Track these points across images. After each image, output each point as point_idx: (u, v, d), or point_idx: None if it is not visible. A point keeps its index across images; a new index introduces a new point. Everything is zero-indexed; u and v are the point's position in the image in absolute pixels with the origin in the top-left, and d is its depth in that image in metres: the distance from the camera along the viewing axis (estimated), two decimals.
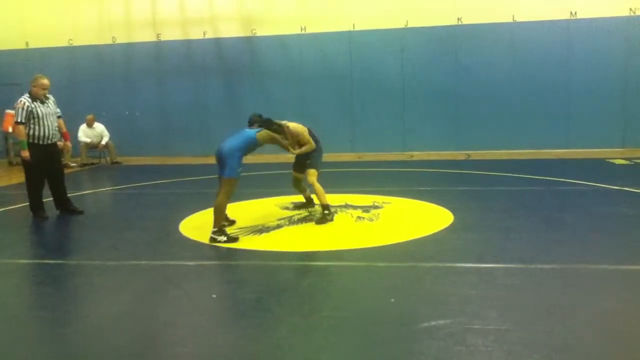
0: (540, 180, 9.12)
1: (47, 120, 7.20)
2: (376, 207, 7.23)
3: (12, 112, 13.93)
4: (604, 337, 3.38)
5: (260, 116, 6.76)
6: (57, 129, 7.41)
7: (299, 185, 7.23)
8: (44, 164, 7.23)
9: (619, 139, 13.15)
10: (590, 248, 5.25)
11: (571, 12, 13.10)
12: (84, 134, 13.70)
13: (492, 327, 3.49)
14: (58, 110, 7.53)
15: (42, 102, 7.21)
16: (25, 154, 7.10)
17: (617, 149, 12.89)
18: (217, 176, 6.31)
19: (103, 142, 13.69)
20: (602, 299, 3.96)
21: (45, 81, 7.24)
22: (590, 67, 13.08)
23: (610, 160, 11.30)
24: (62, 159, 7.98)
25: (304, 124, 7.13)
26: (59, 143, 7.70)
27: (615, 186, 8.21)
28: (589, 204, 7.23)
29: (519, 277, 4.46)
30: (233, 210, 7.25)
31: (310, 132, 7.02)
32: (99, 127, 13.79)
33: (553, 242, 5.50)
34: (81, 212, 7.46)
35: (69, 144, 8.35)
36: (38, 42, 15.09)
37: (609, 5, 12.94)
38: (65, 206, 7.48)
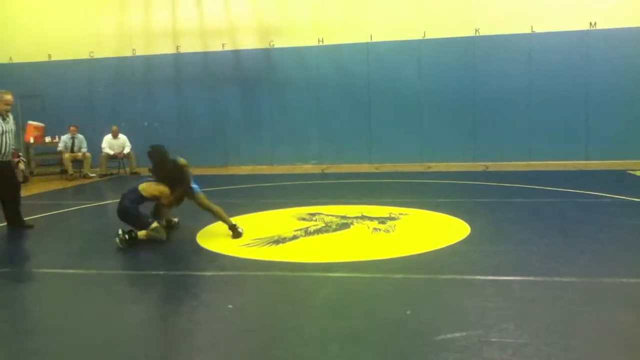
0: (559, 192, 9.04)
1: (5, 137, 7.08)
2: (393, 219, 7.21)
3: (34, 123, 14.28)
4: (623, 352, 3.33)
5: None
6: (12, 146, 7.30)
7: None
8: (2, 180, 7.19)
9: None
10: (610, 261, 5.18)
11: (590, 23, 13.02)
12: (108, 145, 13.88)
13: (510, 340, 3.46)
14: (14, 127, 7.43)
15: (4, 119, 7.11)
16: None
17: (638, 160, 12.72)
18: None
19: (125, 152, 13.88)
20: (622, 312, 3.91)
21: (9, 97, 7.11)
22: (610, 77, 12.98)
23: (631, 172, 11.17)
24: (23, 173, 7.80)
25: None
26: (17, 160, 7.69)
27: (636, 198, 8.11)
28: (608, 216, 7.14)
29: (537, 290, 4.42)
30: (250, 220, 7.30)
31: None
32: (122, 137, 14.00)
33: (572, 254, 5.44)
34: (31, 227, 7.40)
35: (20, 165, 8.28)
36: (60, 54, 15.38)
37: (627, 16, 12.84)
38: (17, 220, 7.41)
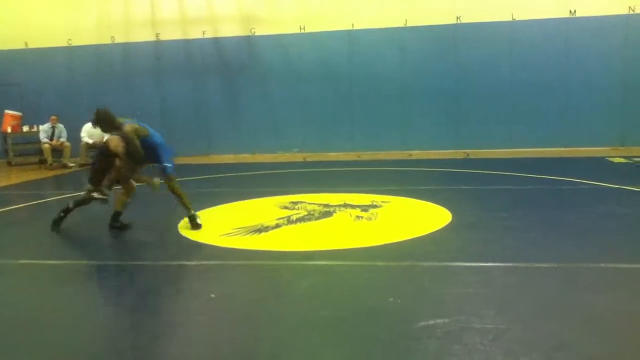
0: (539, 178, 9.12)
1: None
2: (375, 206, 7.23)
3: (11, 112, 14.04)
4: (603, 336, 3.38)
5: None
6: None
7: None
8: None
9: (618, 137, 13.17)
10: (589, 247, 5.26)
11: (570, 11, 13.10)
12: (88, 133, 13.66)
13: (491, 326, 3.49)
14: None
15: None
16: None
17: (615, 148, 12.89)
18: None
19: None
20: (601, 297, 3.96)
21: None
22: (589, 65, 13.09)
23: (609, 159, 11.31)
24: None
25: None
26: None
27: (614, 185, 8.22)
28: (587, 203, 7.23)
29: (518, 276, 4.47)
30: (232, 209, 7.27)
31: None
32: None
33: (552, 240, 5.50)
34: None
35: None
36: (37, 42, 15.09)
37: (608, 4, 12.94)
38: None
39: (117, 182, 6.47)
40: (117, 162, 6.26)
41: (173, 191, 6.50)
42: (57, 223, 6.45)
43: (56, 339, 3.66)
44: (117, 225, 6.45)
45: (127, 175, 6.38)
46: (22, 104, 14.63)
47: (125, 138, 6.16)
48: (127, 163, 6.28)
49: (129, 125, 6.19)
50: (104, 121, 6.20)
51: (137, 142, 6.17)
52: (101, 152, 6.52)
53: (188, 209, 6.45)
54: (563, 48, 13.21)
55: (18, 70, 15.13)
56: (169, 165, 6.40)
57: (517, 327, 3.48)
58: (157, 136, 6.47)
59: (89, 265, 5.26)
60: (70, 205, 6.48)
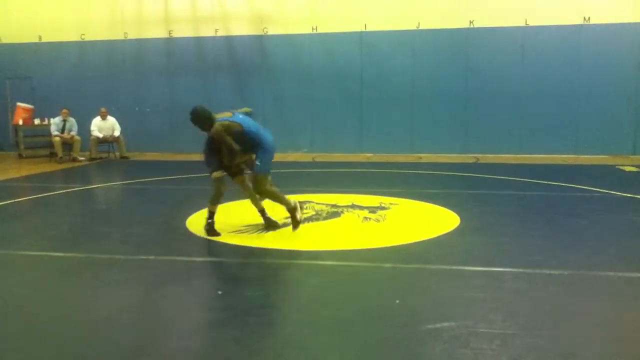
0: (549, 185, 9.07)
1: None
2: (383, 208, 7.21)
3: (23, 105, 14.13)
4: (610, 344, 3.35)
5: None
6: None
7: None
8: None
9: (630, 145, 13.09)
10: (598, 255, 5.21)
11: (584, 18, 13.03)
12: (97, 127, 13.73)
13: (498, 331, 3.47)
14: None
15: None
16: None
17: (627, 156, 12.82)
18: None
19: (115, 134, 13.75)
20: (609, 305, 3.93)
21: None
22: (602, 72, 13.01)
23: (620, 167, 11.24)
24: None
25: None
26: None
27: (624, 193, 8.16)
28: (597, 211, 7.18)
29: (526, 282, 4.44)
30: (240, 207, 7.28)
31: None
32: (111, 119, 13.86)
33: (561, 247, 5.47)
34: None
35: None
36: (50, 36, 15.17)
37: (622, 12, 12.86)
38: None
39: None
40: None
41: (258, 191, 6.21)
42: (211, 230, 6.00)
43: (58, 331, 3.66)
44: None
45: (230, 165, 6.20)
46: (34, 97, 14.72)
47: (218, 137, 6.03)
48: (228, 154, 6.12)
49: (218, 125, 6.11)
50: (200, 121, 6.29)
51: (228, 139, 6.01)
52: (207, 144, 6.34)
53: (259, 205, 6.39)
54: (576, 54, 13.14)
55: (31, 63, 15.22)
56: (259, 163, 5.99)
57: (524, 333, 3.46)
58: (252, 131, 6.20)
59: (95, 259, 5.27)
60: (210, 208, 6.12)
